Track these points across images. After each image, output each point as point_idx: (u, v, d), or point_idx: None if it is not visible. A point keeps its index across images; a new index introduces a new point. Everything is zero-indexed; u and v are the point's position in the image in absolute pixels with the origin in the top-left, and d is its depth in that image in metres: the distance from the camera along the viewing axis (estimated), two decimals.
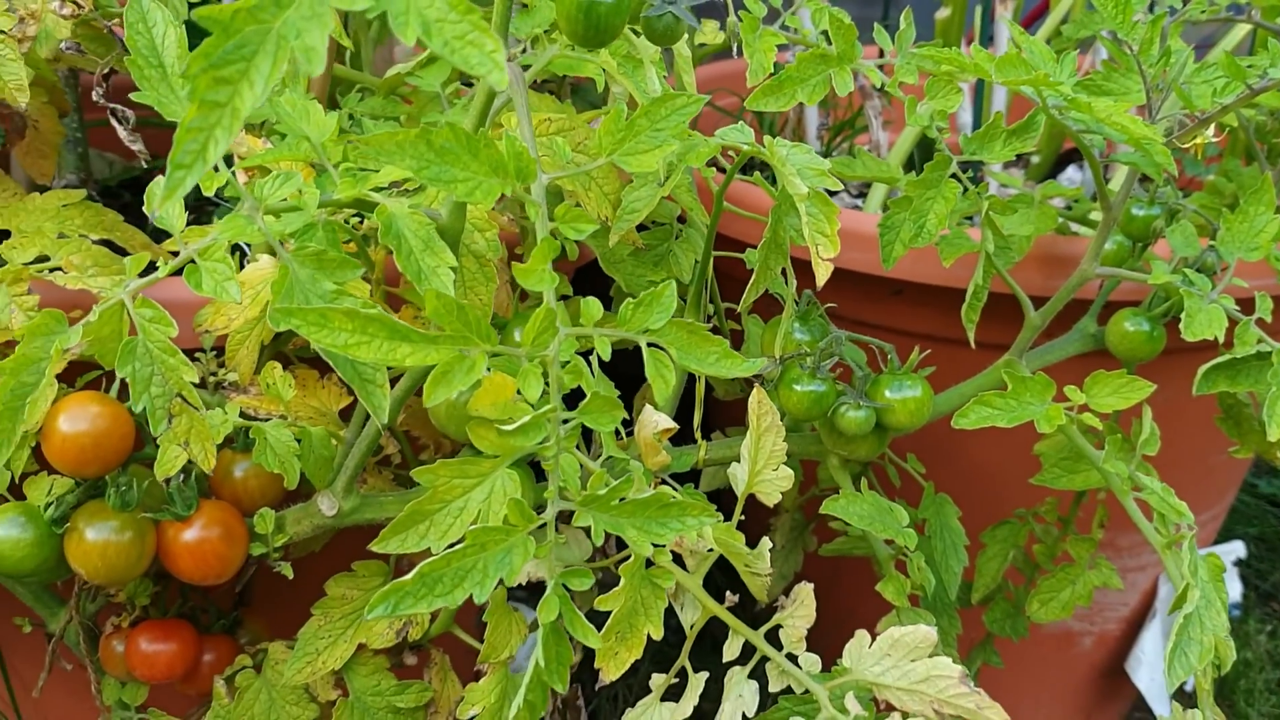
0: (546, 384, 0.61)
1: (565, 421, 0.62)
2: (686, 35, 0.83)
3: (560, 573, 0.62)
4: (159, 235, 1.00)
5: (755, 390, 0.73)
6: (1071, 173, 1.51)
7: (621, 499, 0.62)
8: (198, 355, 0.87)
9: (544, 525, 0.62)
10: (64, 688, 1.19)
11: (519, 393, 0.67)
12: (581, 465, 0.67)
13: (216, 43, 0.43)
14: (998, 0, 1.31)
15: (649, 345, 0.62)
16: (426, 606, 0.59)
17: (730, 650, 0.78)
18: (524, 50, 0.75)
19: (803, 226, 0.72)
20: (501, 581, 0.64)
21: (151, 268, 0.69)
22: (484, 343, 0.58)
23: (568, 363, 0.62)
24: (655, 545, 0.64)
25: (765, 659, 0.78)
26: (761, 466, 0.75)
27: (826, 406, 0.83)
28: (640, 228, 0.96)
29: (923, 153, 1.41)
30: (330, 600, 0.87)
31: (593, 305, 0.61)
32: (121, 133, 0.83)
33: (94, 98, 0.83)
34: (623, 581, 0.68)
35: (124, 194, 1.28)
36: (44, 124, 1.09)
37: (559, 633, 0.62)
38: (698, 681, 0.78)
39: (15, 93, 0.83)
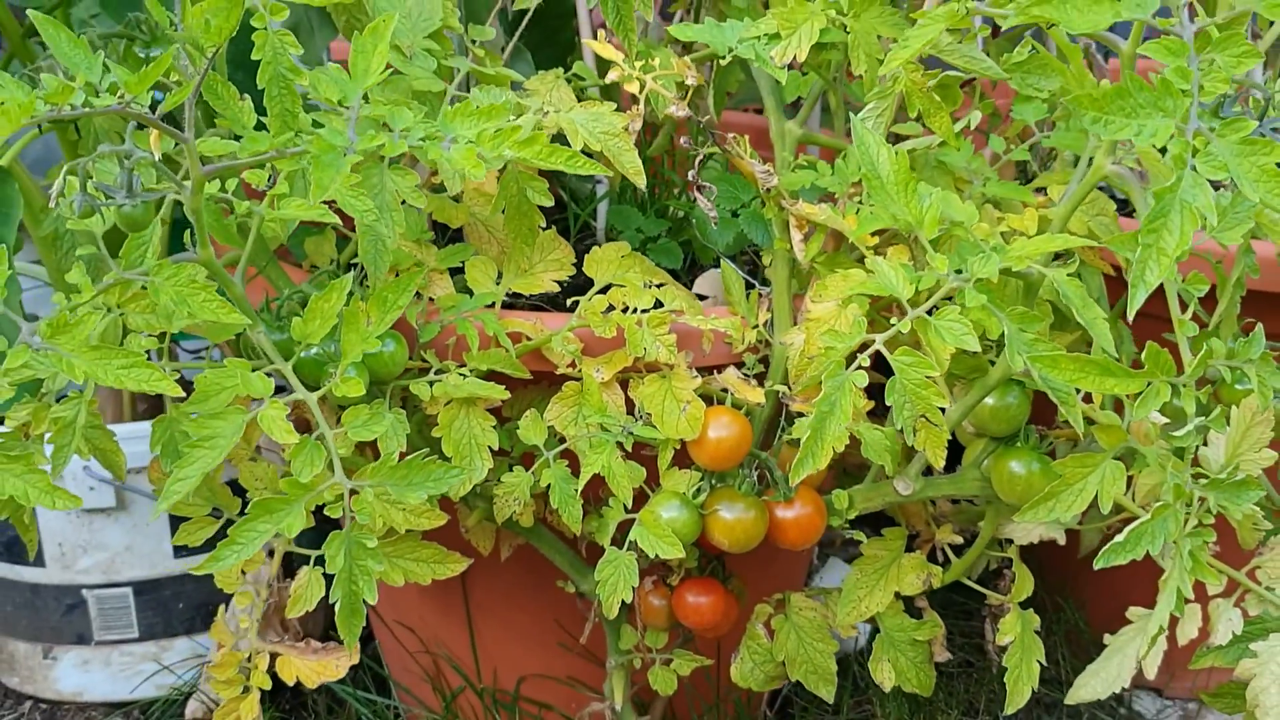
0: None
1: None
2: None
3: (1187, 534, 0.88)
4: None
5: (1255, 394, 0.98)
6: None
7: (1222, 479, 0.88)
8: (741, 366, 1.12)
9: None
10: (515, 639, 1.43)
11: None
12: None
13: (1154, 206, 0.67)
14: None
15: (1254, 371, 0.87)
16: (1123, 559, 0.84)
17: (1213, 585, 1.05)
18: None
19: None
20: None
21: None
22: (1164, 375, 0.84)
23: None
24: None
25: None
26: (1245, 450, 1.01)
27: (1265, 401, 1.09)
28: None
29: None
30: (865, 559, 1.12)
31: (1216, 345, 0.86)
32: (702, 203, 1.07)
33: (689, 177, 1.07)
34: None
35: None
36: None
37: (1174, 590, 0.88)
38: (1193, 611, 1.04)
39: (635, 177, 1.06)
